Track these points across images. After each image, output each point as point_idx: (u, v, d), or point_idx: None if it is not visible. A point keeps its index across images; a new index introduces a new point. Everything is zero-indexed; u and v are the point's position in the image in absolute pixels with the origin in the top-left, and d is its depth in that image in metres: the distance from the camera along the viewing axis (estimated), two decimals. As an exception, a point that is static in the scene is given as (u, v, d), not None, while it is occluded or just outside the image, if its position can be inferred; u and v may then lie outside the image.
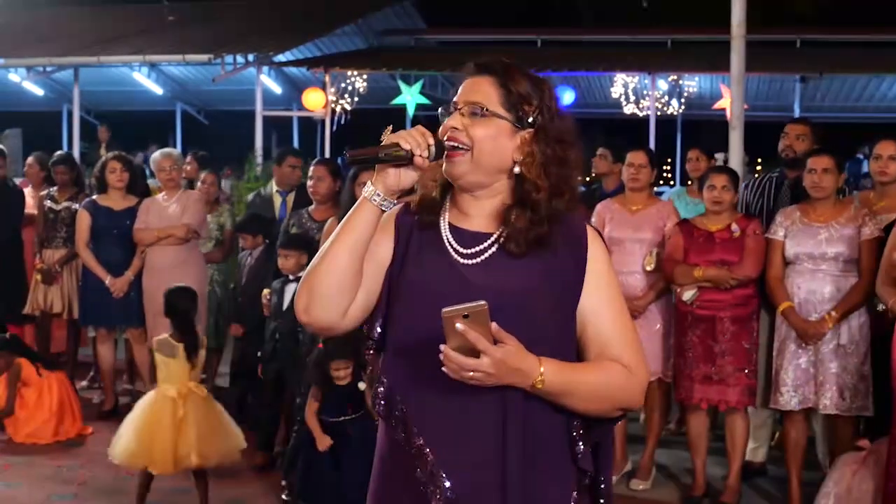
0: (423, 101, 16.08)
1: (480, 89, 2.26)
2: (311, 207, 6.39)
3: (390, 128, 2.23)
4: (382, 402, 2.26)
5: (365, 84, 15.95)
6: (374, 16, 18.80)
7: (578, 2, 23.16)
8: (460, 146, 2.22)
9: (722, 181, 5.55)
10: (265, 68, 16.64)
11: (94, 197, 7.39)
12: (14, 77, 17.42)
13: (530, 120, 2.26)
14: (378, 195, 2.20)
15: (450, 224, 2.29)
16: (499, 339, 2.06)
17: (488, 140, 2.23)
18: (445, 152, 2.23)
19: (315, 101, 15.47)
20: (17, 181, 9.10)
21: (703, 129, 19.03)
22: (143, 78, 18.90)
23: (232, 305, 7.33)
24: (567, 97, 15.13)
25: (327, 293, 2.20)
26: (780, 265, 5.46)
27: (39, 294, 7.82)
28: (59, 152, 8.20)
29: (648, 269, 5.75)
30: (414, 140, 2.17)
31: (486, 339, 2.03)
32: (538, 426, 2.21)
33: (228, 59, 15.17)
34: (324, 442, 4.88)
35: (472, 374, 2.05)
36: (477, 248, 2.25)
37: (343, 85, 15.84)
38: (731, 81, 7.92)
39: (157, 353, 5.26)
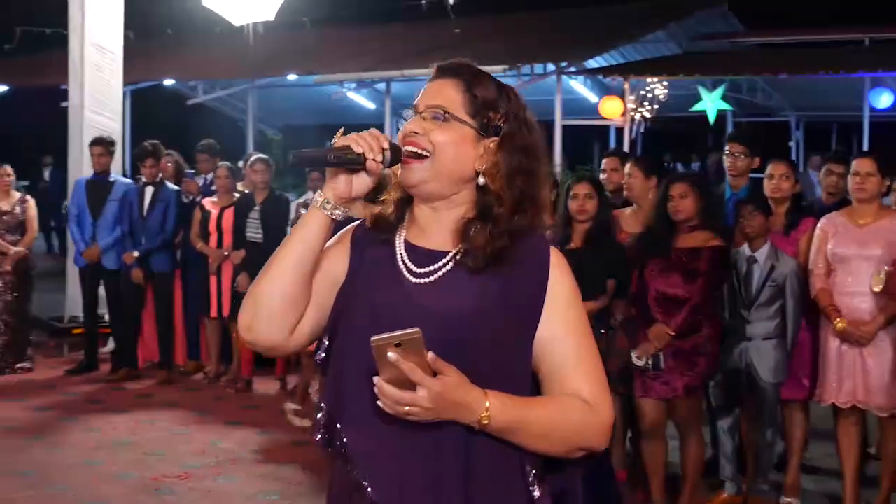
0: (725, 106, 15.40)
1: (444, 92, 2.09)
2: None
3: (342, 130, 2.07)
4: (322, 431, 2.09)
5: (666, 91, 15.48)
6: (689, 20, 18.29)
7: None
8: (420, 152, 2.04)
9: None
10: (579, 77, 16.72)
11: None
12: (355, 96, 18.44)
13: (495, 127, 2.07)
14: (328, 203, 2.03)
15: (406, 242, 2.11)
16: (437, 369, 1.86)
17: (450, 146, 2.04)
18: (402, 158, 2.06)
19: (612, 109, 15.22)
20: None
21: None
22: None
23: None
24: (884, 100, 13.90)
25: (271, 310, 2.02)
26: None
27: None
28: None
29: (876, 290, 5.09)
30: (366, 143, 2.00)
31: (423, 369, 1.85)
32: (489, 467, 1.98)
33: (526, 69, 15.24)
34: None
35: (407, 408, 1.87)
36: (431, 268, 2.06)
37: (642, 92, 15.47)
38: None
39: None
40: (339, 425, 2.04)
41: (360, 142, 2.00)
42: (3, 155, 10.12)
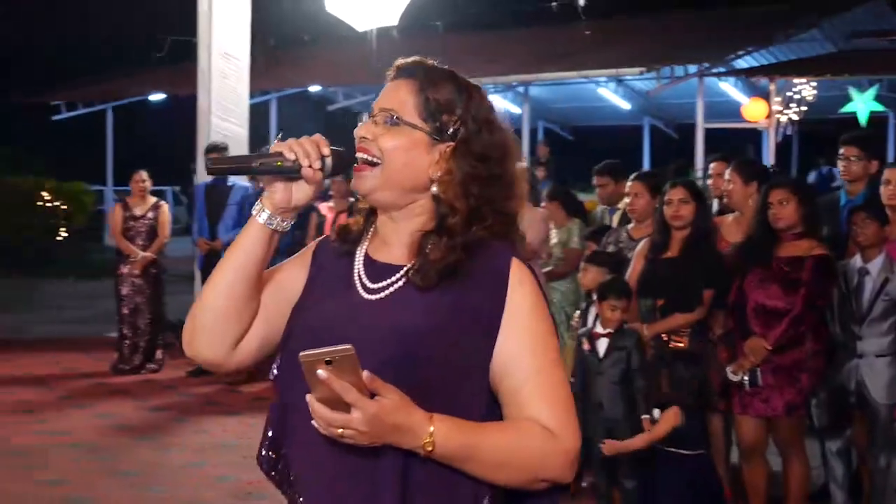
0: (878, 107, 14.61)
1: (397, 95, 1.96)
2: (631, 226, 6.06)
3: (280, 135, 1.96)
4: (264, 453, 1.98)
5: (814, 92, 14.83)
6: (844, 18, 17.54)
7: None
8: (369, 159, 1.92)
9: None
10: (729, 79, 16.26)
11: None
12: (496, 99, 18.41)
13: (451, 131, 1.93)
14: (265, 212, 1.92)
15: (366, 255, 1.99)
16: (375, 389, 1.72)
17: (399, 152, 1.92)
18: (355, 165, 1.94)
19: (756, 111, 14.67)
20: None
21: None
22: (609, 93, 19.32)
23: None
24: None
25: (209, 324, 1.94)
26: None
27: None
28: None
29: None
30: (302, 149, 1.88)
31: (358, 389, 1.71)
32: (433, 498, 1.82)
33: (665, 71, 14.88)
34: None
35: (340, 431, 1.73)
36: (384, 283, 1.93)
37: (788, 94, 14.87)
38: None
39: None
40: (282, 448, 1.94)
41: (294, 148, 1.88)
42: (159, 160, 10.43)
